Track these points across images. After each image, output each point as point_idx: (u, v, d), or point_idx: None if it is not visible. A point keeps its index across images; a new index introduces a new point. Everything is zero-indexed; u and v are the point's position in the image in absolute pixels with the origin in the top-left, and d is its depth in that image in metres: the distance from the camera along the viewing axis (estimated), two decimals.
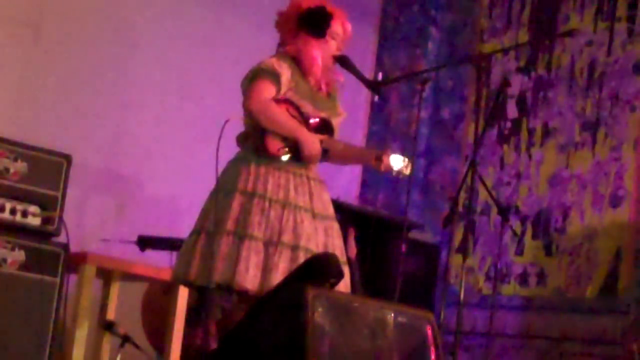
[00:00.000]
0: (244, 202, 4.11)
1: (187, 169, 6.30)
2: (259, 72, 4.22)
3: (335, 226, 4.30)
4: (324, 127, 4.30)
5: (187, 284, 4.22)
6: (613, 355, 6.12)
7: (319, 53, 4.33)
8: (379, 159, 4.37)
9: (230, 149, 4.28)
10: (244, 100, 4.23)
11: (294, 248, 4.07)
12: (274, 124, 4.17)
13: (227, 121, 4.15)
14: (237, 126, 4.29)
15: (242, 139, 4.29)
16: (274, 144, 4.18)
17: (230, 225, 4.08)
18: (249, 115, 4.20)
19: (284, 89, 4.22)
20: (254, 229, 4.05)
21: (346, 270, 4.21)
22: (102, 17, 6.13)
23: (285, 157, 4.18)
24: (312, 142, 4.22)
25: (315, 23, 4.33)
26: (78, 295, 4.81)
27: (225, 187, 4.18)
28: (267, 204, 4.11)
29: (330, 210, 4.32)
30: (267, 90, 4.19)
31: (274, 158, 4.17)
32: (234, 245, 4.04)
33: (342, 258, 4.23)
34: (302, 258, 4.01)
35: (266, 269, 4.02)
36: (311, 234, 4.14)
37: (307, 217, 4.17)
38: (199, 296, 4.28)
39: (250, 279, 3.98)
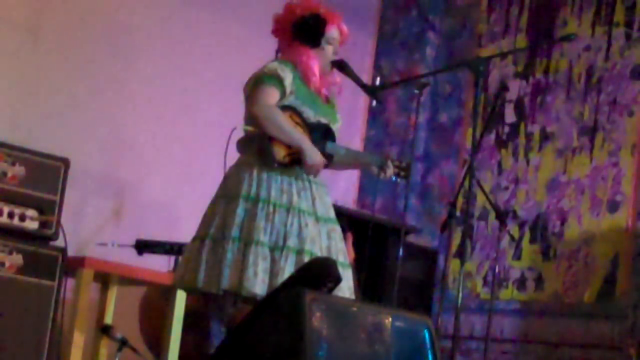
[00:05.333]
0: (249, 207, 4.11)
1: (185, 173, 6.30)
2: (262, 77, 4.21)
3: (338, 229, 4.30)
4: (326, 133, 4.30)
5: (194, 291, 4.20)
6: None
7: (316, 62, 4.32)
8: (381, 165, 4.38)
9: (230, 153, 4.28)
10: (249, 106, 4.22)
11: (299, 252, 4.07)
12: (279, 131, 4.16)
13: (234, 129, 4.14)
14: (237, 132, 4.28)
15: (243, 145, 4.28)
16: (279, 151, 4.17)
17: (235, 231, 4.07)
18: (254, 121, 4.18)
19: (287, 92, 4.21)
20: (259, 235, 4.05)
21: (350, 273, 4.22)
22: (101, 21, 6.13)
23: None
24: (316, 154, 4.22)
25: (309, 33, 4.32)
26: (76, 299, 4.81)
27: (228, 193, 4.17)
28: (271, 208, 4.11)
29: (332, 213, 4.33)
30: (271, 95, 4.18)
31: (277, 164, 4.16)
32: (239, 251, 4.03)
33: (345, 261, 4.24)
34: None
35: (273, 274, 4.02)
36: (315, 238, 4.14)
37: (311, 221, 4.17)
38: (206, 302, 4.26)
39: (259, 284, 3.98)
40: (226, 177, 4.22)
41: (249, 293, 3.98)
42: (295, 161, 4.20)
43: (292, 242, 4.08)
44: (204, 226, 4.18)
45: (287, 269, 4.02)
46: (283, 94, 4.21)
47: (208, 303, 4.22)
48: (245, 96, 4.26)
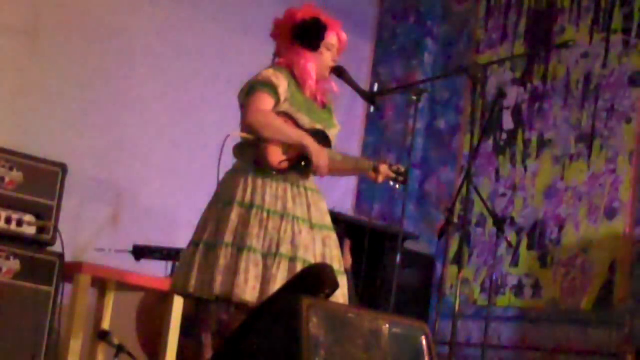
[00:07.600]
0: (242, 213, 4.10)
1: (183, 178, 6.30)
2: (256, 85, 4.19)
3: (333, 236, 4.28)
4: (321, 140, 4.29)
5: (187, 295, 4.21)
6: None
7: (313, 66, 4.31)
8: (376, 169, 4.37)
9: (225, 160, 4.28)
10: (243, 115, 4.21)
11: (292, 259, 4.06)
12: (277, 133, 4.15)
13: (227, 137, 4.13)
14: (231, 139, 4.27)
15: (239, 151, 4.27)
16: (275, 157, 4.16)
17: (228, 237, 4.06)
18: (249, 129, 4.17)
19: (282, 99, 4.20)
20: (252, 241, 4.04)
21: (344, 280, 4.21)
22: (99, 26, 6.13)
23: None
24: (320, 149, 4.21)
25: (309, 36, 4.31)
26: (73, 304, 4.80)
27: (223, 198, 4.17)
28: (265, 215, 4.10)
29: (328, 220, 4.31)
30: (265, 102, 4.17)
31: (273, 171, 4.15)
32: (232, 257, 4.02)
33: (340, 268, 4.22)
34: (299, 269, 3.99)
35: (265, 281, 4.01)
36: (309, 245, 4.13)
37: (305, 228, 4.15)
38: (197, 308, 4.26)
39: (249, 291, 3.97)
40: (222, 183, 4.22)
41: (239, 300, 3.97)
42: (292, 167, 4.20)
43: (284, 249, 4.06)
44: (199, 231, 4.18)
45: (280, 276, 4.00)
46: (277, 101, 4.19)
47: (198, 309, 4.22)
48: (240, 104, 4.25)
